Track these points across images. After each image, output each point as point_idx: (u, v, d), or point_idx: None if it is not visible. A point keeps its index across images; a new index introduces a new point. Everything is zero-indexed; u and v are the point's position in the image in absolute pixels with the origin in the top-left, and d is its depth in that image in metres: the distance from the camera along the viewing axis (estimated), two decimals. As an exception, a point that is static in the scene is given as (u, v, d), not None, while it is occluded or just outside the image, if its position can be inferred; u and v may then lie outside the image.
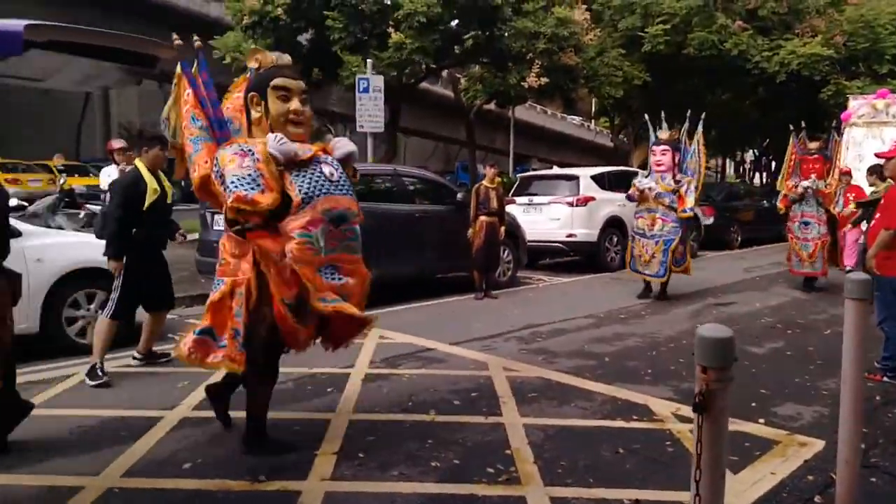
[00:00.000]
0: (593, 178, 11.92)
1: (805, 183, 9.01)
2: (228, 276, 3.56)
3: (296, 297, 3.40)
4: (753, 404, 4.52)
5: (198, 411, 4.28)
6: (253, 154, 3.40)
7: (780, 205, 9.47)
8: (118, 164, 8.04)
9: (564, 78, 17.97)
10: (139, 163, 5.20)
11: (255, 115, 3.63)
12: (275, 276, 3.40)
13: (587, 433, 4.03)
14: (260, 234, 3.44)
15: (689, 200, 8.20)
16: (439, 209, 9.12)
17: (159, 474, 3.41)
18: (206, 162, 3.62)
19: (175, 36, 3.78)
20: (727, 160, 48.58)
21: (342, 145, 3.74)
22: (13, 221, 5.57)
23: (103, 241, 5.71)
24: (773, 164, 34.74)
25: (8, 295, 3.54)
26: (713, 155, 46.05)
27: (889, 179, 5.54)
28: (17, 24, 2.78)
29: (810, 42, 18.84)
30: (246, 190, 3.30)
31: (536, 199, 11.86)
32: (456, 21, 17.48)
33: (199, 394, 4.25)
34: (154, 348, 5.51)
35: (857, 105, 13.11)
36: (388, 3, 15.93)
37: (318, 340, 3.79)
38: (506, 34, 16.91)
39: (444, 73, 25.97)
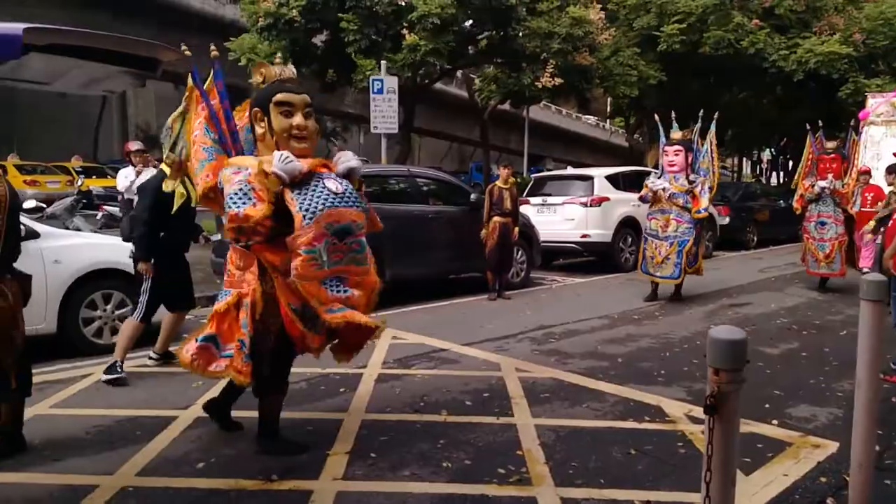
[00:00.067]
0: (608, 178, 11.87)
1: (822, 183, 8.91)
2: (234, 287, 3.60)
3: (302, 303, 3.41)
4: (767, 405, 4.50)
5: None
6: (247, 169, 3.40)
7: (796, 205, 9.38)
8: (135, 166, 8.13)
9: (579, 78, 17.91)
10: (166, 167, 5.26)
11: (259, 130, 3.63)
12: (281, 283, 3.42)
13: (599, 434, 4.02)
14: (263, 248, 3.44)
15: (704, 201, 8.12)
16: (453, 210, 9.13)
17: (173, 473, 3.44)
18: (208, 176, 3.64)
19: (184, 46, 3.78)
20: (744, 159, 48.24)
21: (345, 160, 3.67)
22: (32, 223, 5.67)
23: (128, 244, 5.80)
24: (791, 163, 34.42)
25: (19, 295, 3.58)
26: (729, 154, 45.76)
27: None
28: (15, 27, 2.78)
29: (828, 40, 18.64)
30: (238, 207, 3.28)
31: (550, 200, 11.83)
32: (470, 21, 17.49)
33: (213, 394, 4.27)
34: (170, 348, 5.57)
35: (876, 103, 12.95)
36: (402, 4, 15.96)
37: (329, 348, 3.81)
38: (520, 34, 16.90)
39: (459, 73, 25.98)
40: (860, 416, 2.94)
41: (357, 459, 3.60)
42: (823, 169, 9.01)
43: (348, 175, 3.65)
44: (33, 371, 4.90)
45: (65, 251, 5.72)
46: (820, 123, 9.52)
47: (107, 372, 5.00)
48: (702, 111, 8.72)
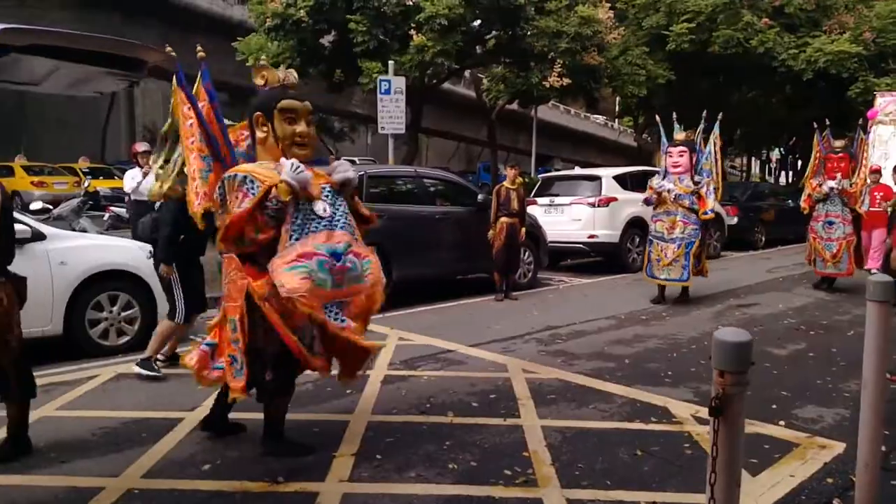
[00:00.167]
0: (615, 178, 11.83)
1: (830, 183, 8.86)
2: (224, 301, 3.61)
3: (300, 326, 3.39)
4: (774, 406, 4.47)
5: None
6: (252, 189, 3.38)
7: (803, 204, 9.31)
8: (142, 167, 8.15)
9: (587, 77, 17.88)
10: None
11: (260, 134, 3.62)
12: (271, 310, 3.37)
13: (605, 435, 4.01)
14: (250, 270, 3.45)
15: (710, 202, 8.05)
16: (460, 210, 9.13)
17: (179, 475, 3.45)
18: (206, 194, 3.67)
19: (168, 48, 3.77)
20: (752, 159, 48.02)
21: (342, 171, 3.68)
22: (38, 224, 5.70)
23: (136, 245, 5.82)
24: (800, 162, 34.26)
25: (13, 298, 3.57)
26: (738, 153, 45.57)
27: None
28: None
29: (838, 39, 18.55)
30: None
31: (558, 200, 11.80)
32: (478, 21, 17.48)
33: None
34: (177, 350, 5.58)
35: (885, 102, 12.89)
36: (410, 4, 15.97)
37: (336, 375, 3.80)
38: (528, 33, 16.88)
39: (467, 73, 25.98)
40: (866, 417, 2.92)
41: (363, 461, 3.60)
42: (831, 168, 8.94)
43: (344, 185, 3.67)
44: (40, 373, 4.96)
45: (71, 253, 5.74)
46: (827, 122, 9.45)
47: (143, 367, 5.12)
48: (705, 112, 8.65)
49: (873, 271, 8.91)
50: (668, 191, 8.11)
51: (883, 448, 3.12)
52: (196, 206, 3.72)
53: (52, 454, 3.70)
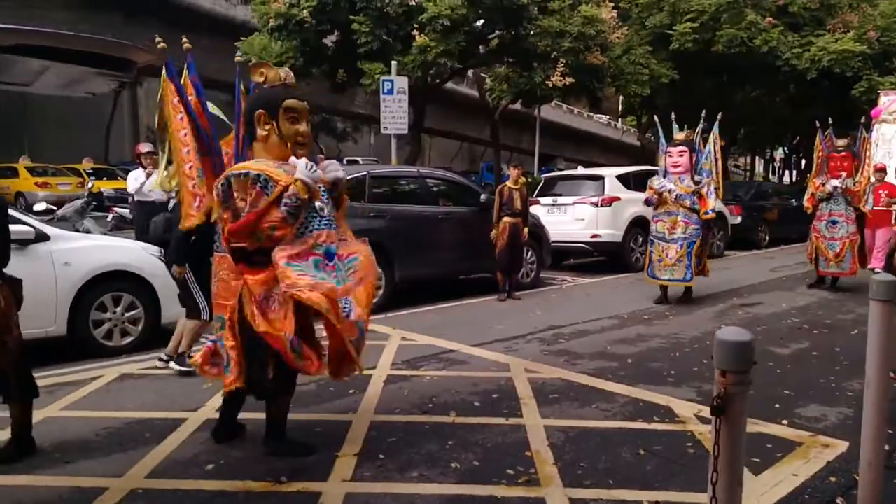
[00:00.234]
0: (618, 177, 11.82)
1: (834, 182, 8.83)
2: (213, 298, 3.64)
3: (295, 331, 3.39)
4: (777, 405, 4.47)
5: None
6: (268, 187, 3.41)
7: (807, 204, 9.28)
8: (145, 168, 8.17)
9: (590, 77, 17.86)
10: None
11: (261, 132, 3.59)
12: (260, 313, 3.39)
13: (608, 435, 4.01)
14: (245, 268, 3.47)
15: (711, 201, 8.01)
16: (463, 210, 9.13)
17: (182, 475, 3.46)
18: (205, 195, 3.69)
19: (158, 38, 3.75)
20: (756, 158, 47.97)
21: (332, 169, 3.71)
22: (42, 225, 5.71)
23: (138, 244, 5.84)
24: (804, 161, 34.23)
25: (10, 300, 3.57)
26: (742, 153, 45.51)
27: None
28: None
29: (842, 38, 18.51)
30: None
31: (561, 200, 11.80)
32: (481, 21, 17.49)
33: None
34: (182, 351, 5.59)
35: (888, 101, 12.86)
36: (413, 4, 15.99)
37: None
38: (531, 33, 16.88)
39: (470, 73, 25.98)
40: (870, 416, 2.92)
41: (366, 461, 3.61)
42: (834, 167, 8.91)
43: (335, 185, 3.71)
44: (45, 373, 5.00)
45: (75, 253, 5.75)
46: (830, 121, 9.43)
47: (179, 363, 5.22)
48: (704, 111, 8.60)
49: (877, 270, 8.90)
50: (669, 191, 8.07)
51: (886, 447, 3.12)
52: (195, 208, 3.72)
53: (57, 454, 3.71)
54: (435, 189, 9.35)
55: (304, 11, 16.14)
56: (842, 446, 3.79)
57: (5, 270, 3.59)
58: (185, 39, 3.71)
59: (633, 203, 11.38)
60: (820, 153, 9.25)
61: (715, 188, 8.14)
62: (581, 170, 15.78)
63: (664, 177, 8.29)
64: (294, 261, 3.36)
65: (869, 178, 9.50)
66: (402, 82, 13.66)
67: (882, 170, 10.09)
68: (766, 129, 30.52)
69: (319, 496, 3.21)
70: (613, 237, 11.28)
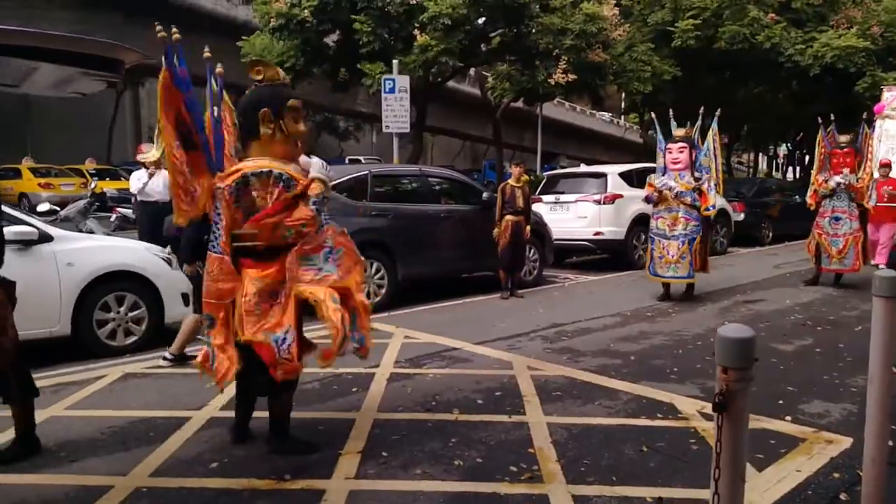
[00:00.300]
0: (621, 175, 11.80)
1: (837, 179, 8.80)
2: (204, 297, 3.64)
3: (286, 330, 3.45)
4: (780, 402, 4.47)
5: (225, 412, 4.33)
6: (289, 185, 3.51)
7: (809, 200, 9.24)
8: (147, 169, 8.19)
9: (592, 74, 17.85)
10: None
11: (265, 131, 3.57)
12: (252, 318, 3.44)
13: (611, 432, 4.01)
14: (250, 263, 3.52)
15: (712, 198, 7.97)
16: (465, 209, 9.13)
17: (187, 474, 3.46)
18: (195, 196, 3.71)
19: (158, 27, 3.67)
20: (760, 155, 47.88)
21: (315, 171, 3.71)
22: (45, 226, 5.73)
23: (141, 244, 5.86)
24: (807, 158, 34.16)
25: (5, 302, 3.57)
26: (745, 149, 45.42)
27: None
28: None
29: (846, 34, 18.47)
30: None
31: (563, 198, 11.79)
32: (482, 19, 17.49)
33: (227, 394, 4.31)
34: (185, 350, 5.61)
35: (892, 97, 12.82)
36: (414, 3, 15.99)
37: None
38: (533, 31, 16.87)
39: (472, 71, 25.98)
40: (873, 412, 2.91)
41: (369, 459, 3.62)
42: (837, 163, 8.89)
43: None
44: (49, 373, 5.03)
45: (78, 254, 5.76)
46: (832, 117, 9.40)
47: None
48: (702, 108, 8.55)
49: (881, 266, 8.88)
50: (670, 188, 8.03)
51: (890, 443, 3.11)
52: (187, 203, 3.72)
53: (62, 453, 3.72)
54: (437, 188, 9.36)
55: (306, 11, 16.18)
56: (845, 442, 3.78)
57: (1, 273, 3.58)
58: (174, 30, 3.65)
59: (635, 200, 11.34)
60: (822, 149, 9.21)
61: (715, 184, 8.11)
62: (583, 167, 15.78)
63: (664, 174, 8.25)
64: (308, 254, 3.49)
65: (871, 174, 9.47)
66: (403, 81, 13.67)
67: (887, 165, 10.07)
68: (770, 126, 30.49)
69: (323, 494, 3.22)
70: (616, 235, 11.27)
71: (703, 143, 8.33)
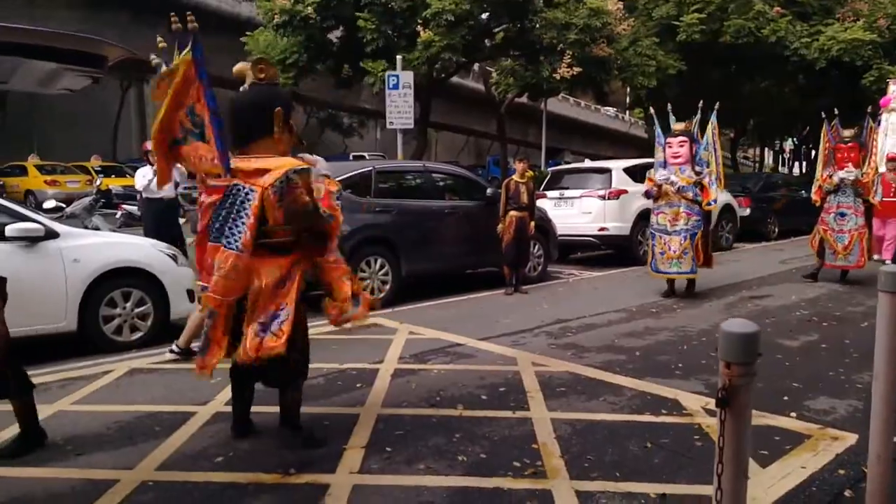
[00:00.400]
0: (625, 170, 11.78)
1: (840, 174, 8.75)
2: (209, 290, 3.63)
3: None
4: (785, 398, 4.46)
5: (230, 406, 4.35)
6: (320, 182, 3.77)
7: (814, 196, 9.18)
8: (153, 165, 8.20)
9: (597, 69, 17.80)
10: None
11: (277, 130, 3.61)
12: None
13: (615, 428, 4.01)
14: (267, 254, 3.58)
15: (713, 192, 7.90)
16: (469, 204, 9.12)
17: (192, 468, 3.48)
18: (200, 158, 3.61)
19: (159, 38, 3.61)
20: (766, 149, 47.69)
21: (324, 166, 4.03)
22: (51, 222, 5.76)
23: (147, 241, 5.87)
24: (813, 152, 34.03)
25: None
26: (751, 144, 45.23)
27: None
28: None
29: (852, 27, 18.37)
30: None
31: (568, 193, 11.78)
32: (486, 15, 17.45)
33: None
34: (192, 345, 5.63)
35: (898, 90, 12.77)
36: (417, -1, 15.99)
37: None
38: (537, 26, 16.83)
39: (476, 66, 25.95)
40: (878, 408, 2.90)
41: (373, 453, 3.63)
42: (841, 158, 8.82)
43: None
44: (56, 368, 5.07)
45: (84, 250, 5.78)
46: (835, 112, 9.33)
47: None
48: (702, 102, 8.47)
49: (887, 262, 8.84)
50: (672, 182, 7.95)
51: (895, 439, 3.11)
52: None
53: (69, 447, 3.75)
54: (441, 183, 9.36)
55: (309, 7, 16.18)
56: (851, 439, 3.77)
57: None
58: (189, 14, 3.58)
59: (640, 196, 11.31)
60: (826, 144, 9.16)
61: (716, 178, 8.06)
62: (588, 163, 15.75)
63: (663, 168, 8.17)
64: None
65: (876, 169, 9.41)
66: (407, 77, 13.66)
67: (894, 159, 9.99)
68: (775, 120, 30.38)
69: (328, 488, 3.23)
70: (621, 230, 11.25)
71: (702, 137, 8.27)
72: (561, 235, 10.43)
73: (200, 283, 3.67)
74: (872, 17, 18.65)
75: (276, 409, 4.01)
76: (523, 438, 3.83)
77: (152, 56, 3.62)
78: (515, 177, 8.62)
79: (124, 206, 13.66)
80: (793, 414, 4.18)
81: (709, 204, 7.97)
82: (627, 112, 44.60)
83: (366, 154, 29.42)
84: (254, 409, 4.01)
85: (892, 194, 9.67)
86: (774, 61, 19.82)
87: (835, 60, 18.36)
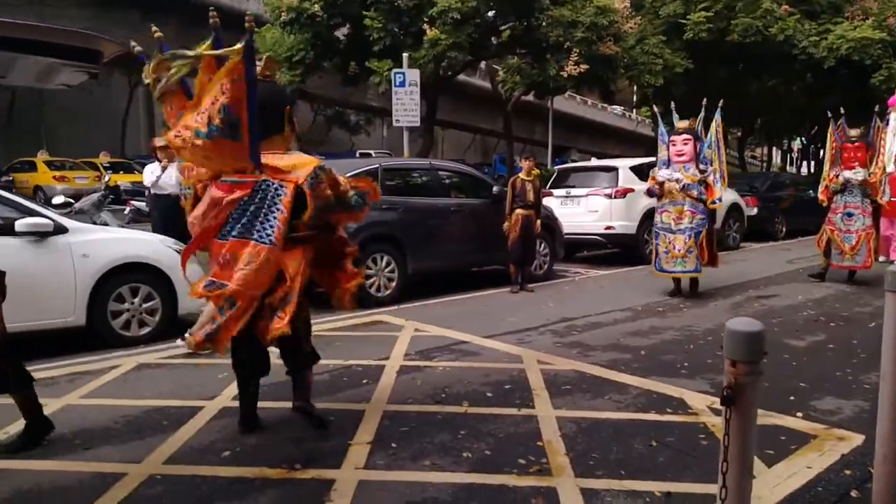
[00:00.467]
0: (632, 168, 11.75)
1: (847, 174, 8.71)
2: (231, 282, 3.64)
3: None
4: (792, 398, 4.46)
5: (237, 402, 4.37)
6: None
7: (821, 196, 9.14)
8: (161, 162, 8.23)
9: (604, 67, 17.77)
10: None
11: (288, 127, 3.76)
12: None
13: (620, 426, 4.01)
14: (290, 246, 3.65)
15: (718, 190, 7.85)
16: (475, 202, 9.13)
17: (199, 462, 3.51)
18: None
19: (154, 28, 3.64)
20: (774, 149, 47.52)
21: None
22: (60, 218, 5.80)
23: (155, 236, 5.90)
24: (822, 152, 33.89)
25: None
26: (759, 143, 45.05)
27: None
28: None
29: (861, 25, 18.26)
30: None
31: (574, 192, 11.77)
32: (492, 12, 17.44)
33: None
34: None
35: (907, 89, 12.69)
36: (424, -4, 15.98)
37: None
38: (543, 24, 16.80)
39: (482, 64, 25.92)
40: (885, 409, 2.90)
41: (379, 449, 3.64)
42: (848, 158, 8.76)
43: None
44: (64, 362, 5.10)
45: (93, 245, 5.82)
46: (842, 111, 9.27)
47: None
48: (705, 100, 8.42)
49: (894, 262, 8.79)
50: (677, 181, 7.88)
51: (901, 439, 3.11)
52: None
53: (77, 441, 3.78)
54: (447, 181, 9.37)
55: (316, 5, 16.20)
56: (857, 439, 3.76)
57: None
58: (212, 9, 3.67)
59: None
60: (833, 144, 9.11)
61: (720, 176, 8.01)
62: (595, 161, 15.73)
63: (666, 166, 8.10)
64: None
65: (884, 168, 9.34)
66: (413, 75, 13.65)
67: None
68: (783, 119, 30.23)
69: (333, 483, 3.24)
70: (627, 229, 11.24)
71: (706, 135, 8.24)
72: (567, 234, 10.43)
73: (209, 277, 3.67)
74: (882, 16, 18.55)
75: (283, 405, 4.04)
76: (528, 436, 3.84)
77: (133, 43, 3.68)
78: (522, 175, 8.62)
79: (132, 201, 13.70)
80: (799, 414, 4.17)
81: (713, 202, 7.91)
82: (634, 110, 44.44)
83: (372, 152, 29.50)
84: (260, 404, 4.03)
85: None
86: (782, 60, 19.72)
87: (843, 59, 18.26)
